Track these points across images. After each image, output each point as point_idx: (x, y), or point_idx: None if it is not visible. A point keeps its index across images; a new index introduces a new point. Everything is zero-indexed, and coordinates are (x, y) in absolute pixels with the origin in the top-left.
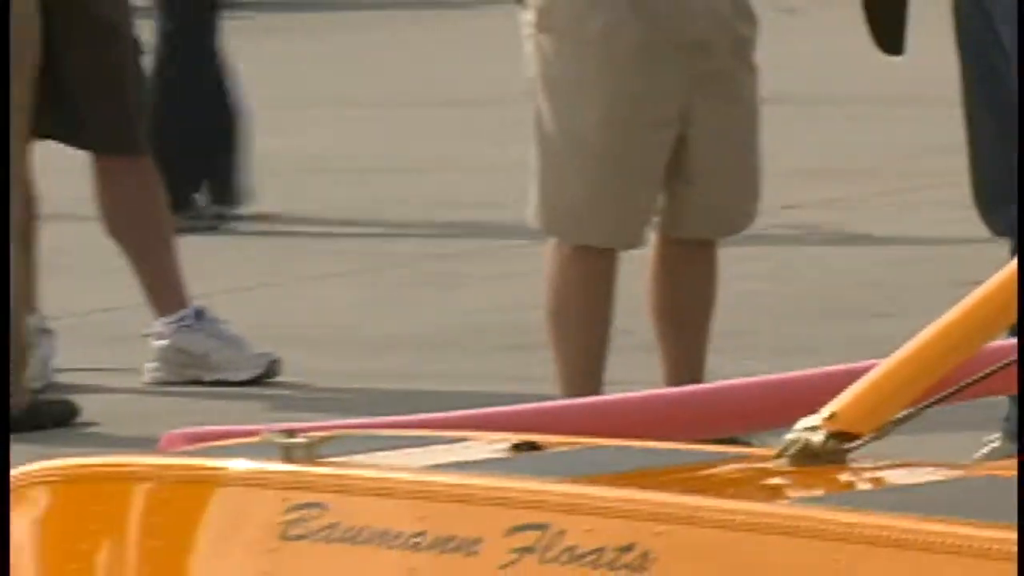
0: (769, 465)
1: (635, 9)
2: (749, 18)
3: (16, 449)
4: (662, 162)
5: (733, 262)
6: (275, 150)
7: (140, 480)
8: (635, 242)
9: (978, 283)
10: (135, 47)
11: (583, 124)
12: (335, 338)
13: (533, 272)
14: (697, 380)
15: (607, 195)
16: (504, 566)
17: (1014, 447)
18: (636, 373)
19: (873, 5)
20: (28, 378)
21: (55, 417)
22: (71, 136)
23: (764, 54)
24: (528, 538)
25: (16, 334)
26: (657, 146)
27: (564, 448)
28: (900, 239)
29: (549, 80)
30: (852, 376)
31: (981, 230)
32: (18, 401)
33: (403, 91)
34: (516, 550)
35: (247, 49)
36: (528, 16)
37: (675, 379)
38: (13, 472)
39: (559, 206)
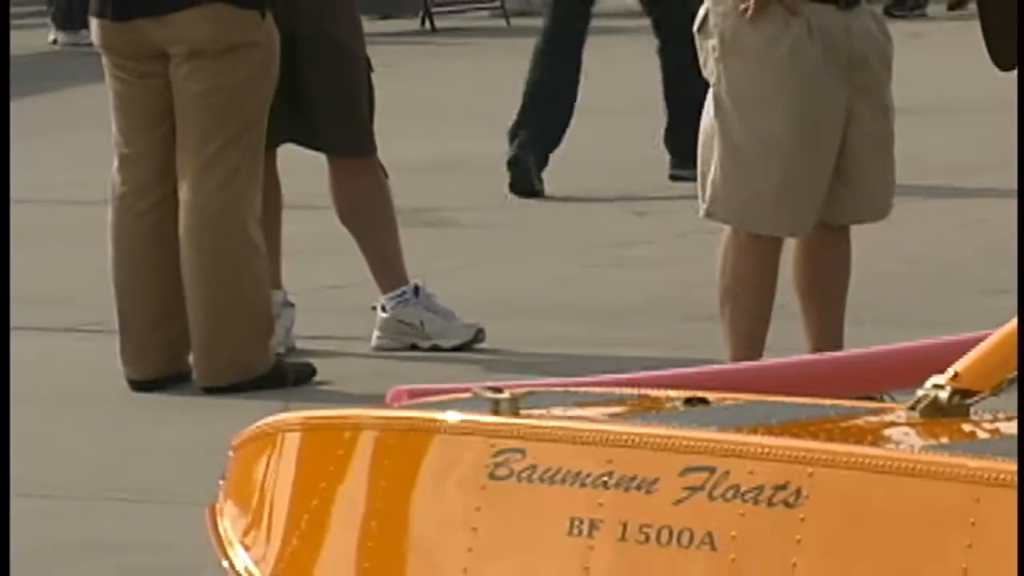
0: (902, 417)
1: (811, 33)
2: (889, 37)
3: (263, 404)
4: (833, 161)
5: (868, 244)
6: None
7: (370, 429)
8: (808, 230)
9: None
10: (366, 65)
11: (773, 131)
12: (533, 309)
13: (701, 256)
14: (837, 347)
15: (792, 190)
16: (678, 502)
17: None
18: (786, 341)
19: (990, 23)
20: (273, 344)
21: (296, 376)
22: (310, 140)
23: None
24: (698, 478)
25: (264, 305)
26: (832, 147)
27: (729, 403)
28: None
29: (738, 95)
30: (971, 344)
31: None
32: (265, 361)
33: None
34: (688, 488)
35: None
36: (712, 42)
37: (818, 346)
38: (262, 422)
39: (748, 200)
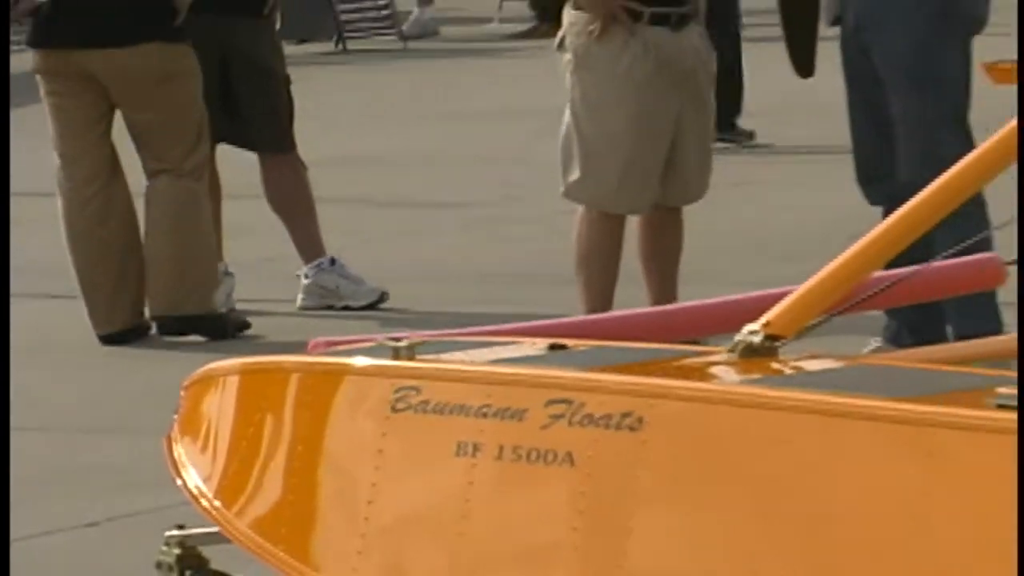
0: (723, 358)
1: (647, 51)
2: (712, 52)
3: (207, 355)
4: (664, 154)
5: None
6: None
7: (294, 372)
8: (646, 210)
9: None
10: (286, 80)
11: (615, 129)
12: (428, 274)
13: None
14: (672, 303)
15: (631, 177)
16: (543, 427)
17: (890, 348)
18: (631, 299)
19: (791, 36)
20: (217, 303)
21: (235, 327)
22: (243, 142)
23: None
24: (559, 409)
25: (213, 264)
26: (663, 143)
27: (584, 348)
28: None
29: (588, 100)
30: (777, 298)
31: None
32: (212, 307)
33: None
34: (551, 416)
35: None
36: (568, 57)
37: (657, 302)
38: (207, 367)
39: (597, 186)
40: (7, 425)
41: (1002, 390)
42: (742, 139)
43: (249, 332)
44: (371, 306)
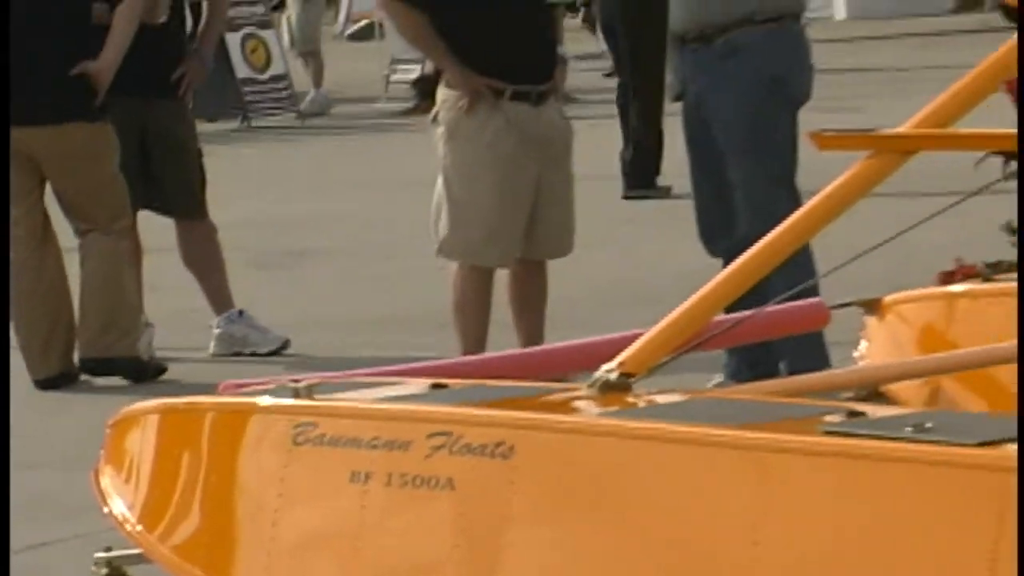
0: (584, 393)
1: (509, 124)
2: (569, 124)
3: (129, 397)
4: (527, 214)
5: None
6: None
7: (207, 411)
8: (511, 264)
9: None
10: (198, 153)
11: (482, 194)
12: (326, 323)
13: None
14: (540, 345)
15: (496, 235)
16: (426, 457)
17: (731, 382)
18: (502, 343)
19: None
20: (140, 351)
21: (154, 371)
22: (161, 207)
23: None
24: (440, 440)
25: (137, 315)
26: (525, 205)
27: (461, 386)
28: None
29: (459, 168)
30: (630, 340)
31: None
32: (135, 351)
33: None
34: (433, 447)
35: None
36: (441, 130)
37: (526, 345)
38: (129, 407)
39: (466, 243)
40: (7, 430)
41: (829, 418)
42: (660, 194)
43: (167, 376)
44: (275, 352)
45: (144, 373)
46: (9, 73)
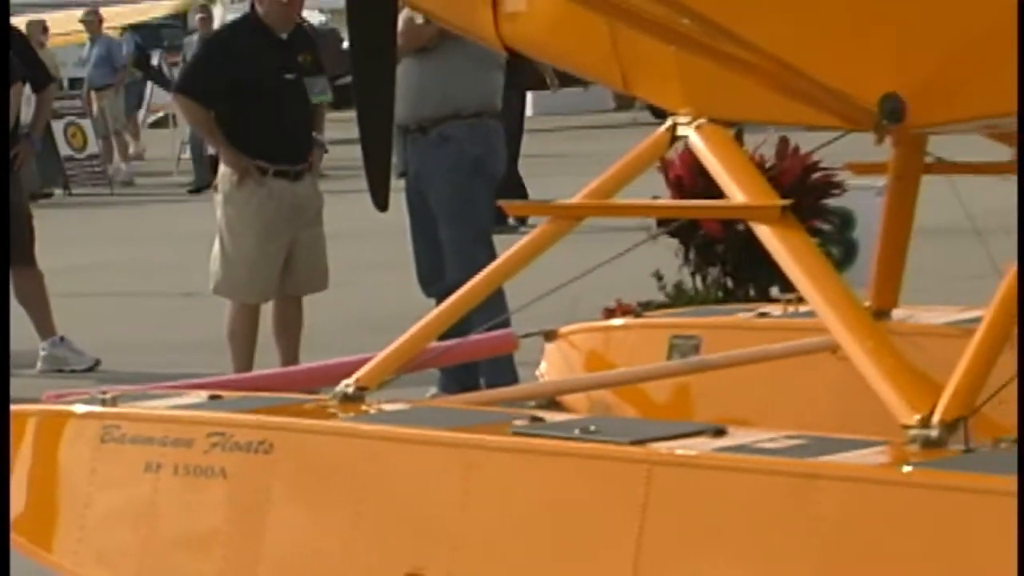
0: (328, 403)
1: (271, 195)
2: (320, 194)
3: None
4: (282, 263)
5: (322, 307)
6: None
7: (31, 416)
8: (271, 299)
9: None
10: (29, 218)
11: (247, 247)
12: (131, 346)
13: (217, 317)
14: (295, 365)
15: (257, 277)
16: (206, 451)
17: (442, 394)
18: (266, 363)
19: (370, 171)
20: None
21: None
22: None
23: None
24: (216, 439)
25: None
26: (280, 256)
27: (233, 397)
28: None
29: (230, 226)
30: (364, 361)
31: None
32: None
33: None
34: (211, 444)
35: None
36: (219, 196)
37: (285, 365)
38: None
39: (233, 284)
40: (7, 425)
41: (517, 422)
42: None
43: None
44: (89, 369)
45: None
46: (9, 75)
